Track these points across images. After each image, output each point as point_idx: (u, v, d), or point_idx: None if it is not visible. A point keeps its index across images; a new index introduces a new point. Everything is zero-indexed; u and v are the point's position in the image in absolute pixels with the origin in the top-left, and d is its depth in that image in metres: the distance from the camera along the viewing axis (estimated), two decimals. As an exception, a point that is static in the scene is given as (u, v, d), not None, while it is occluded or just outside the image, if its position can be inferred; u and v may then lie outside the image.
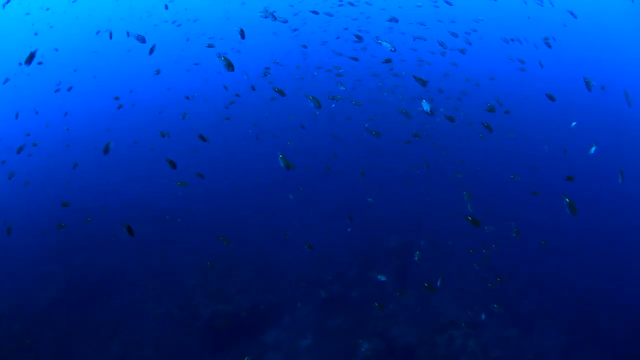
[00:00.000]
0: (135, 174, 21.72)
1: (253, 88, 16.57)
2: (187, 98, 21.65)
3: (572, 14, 19.92)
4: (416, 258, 10.52)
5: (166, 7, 21.85)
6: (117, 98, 18.62)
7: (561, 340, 13.05)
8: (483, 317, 13.07)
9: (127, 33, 9.72)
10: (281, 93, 9.79)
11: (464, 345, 12.69)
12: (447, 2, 19.23)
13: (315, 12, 17.07)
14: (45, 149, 24.46)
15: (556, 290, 13.59)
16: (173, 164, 8.40)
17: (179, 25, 38.94)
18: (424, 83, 8.18)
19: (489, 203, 17.23)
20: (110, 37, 16.25)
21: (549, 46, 14.28)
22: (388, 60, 13.38)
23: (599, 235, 15.93)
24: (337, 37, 23.14)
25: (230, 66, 6.72)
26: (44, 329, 13.12)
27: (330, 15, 21.84)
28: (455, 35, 15.30)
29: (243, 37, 8.51)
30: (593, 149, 13.20)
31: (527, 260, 14.91)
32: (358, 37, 12.56)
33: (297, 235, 16.20)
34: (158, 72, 16.80)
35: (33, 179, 20.12)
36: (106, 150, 7.71)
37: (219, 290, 13.41)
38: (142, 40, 9.45)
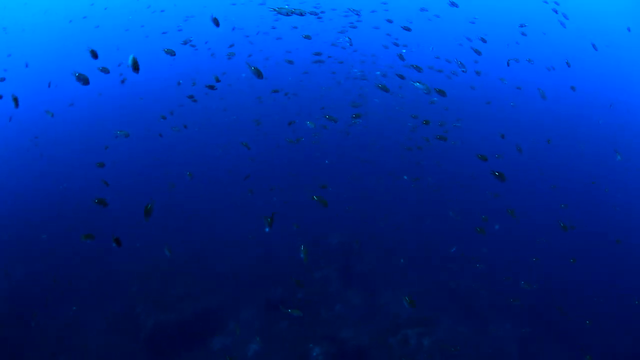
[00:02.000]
0: (72, 181, 20.15)
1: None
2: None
3: (594, 46, 19.60)
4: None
5: None
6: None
7: (518, 333, 12.90)
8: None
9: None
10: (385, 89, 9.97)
11: (419, 344, 12.43)
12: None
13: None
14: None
15: (511, 282, 13.33)
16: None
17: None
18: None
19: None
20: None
21: (569, 65, 14.69)
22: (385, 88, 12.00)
23: (554, 228, 15.73)
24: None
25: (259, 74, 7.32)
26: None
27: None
28: (479, 53, 14.59)
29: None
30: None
31: (480, 254, 14.70)
32: None
33: (238, 237, 15.65)
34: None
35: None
36: None
37: (161, 298, 12.84)
38: (86, 81, 8.53)
